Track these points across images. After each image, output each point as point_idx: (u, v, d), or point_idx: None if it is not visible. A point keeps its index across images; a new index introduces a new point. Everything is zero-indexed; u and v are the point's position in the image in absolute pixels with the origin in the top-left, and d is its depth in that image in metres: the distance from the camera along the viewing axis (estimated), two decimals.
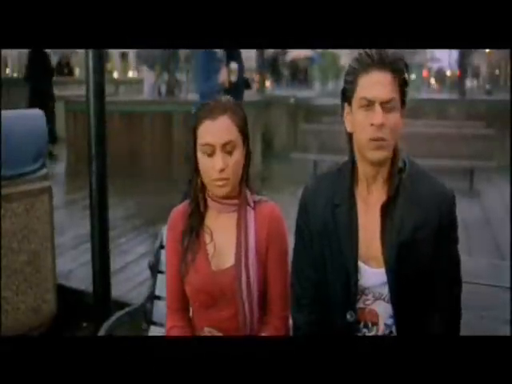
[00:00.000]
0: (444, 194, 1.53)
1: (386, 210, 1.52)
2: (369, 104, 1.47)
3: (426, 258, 1.50)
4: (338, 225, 1.55)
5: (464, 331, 1.57)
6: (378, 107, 1.45)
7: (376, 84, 1.46)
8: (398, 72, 1.48)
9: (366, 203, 1.56)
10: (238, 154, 1.64)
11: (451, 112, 9.50)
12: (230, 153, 1.62)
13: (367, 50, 1.49)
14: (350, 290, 1.54)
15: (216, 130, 1.61)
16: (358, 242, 1.54)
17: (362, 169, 1.55)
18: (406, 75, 1.50)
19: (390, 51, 1.49)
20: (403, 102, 1.51)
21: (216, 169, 1.60)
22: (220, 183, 1.62)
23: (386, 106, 1.46)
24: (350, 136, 1.57)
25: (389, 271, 1.50)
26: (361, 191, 1.57)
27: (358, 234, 1.54)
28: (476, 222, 5.31)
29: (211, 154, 1.61)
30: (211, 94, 5.25)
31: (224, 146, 1.61)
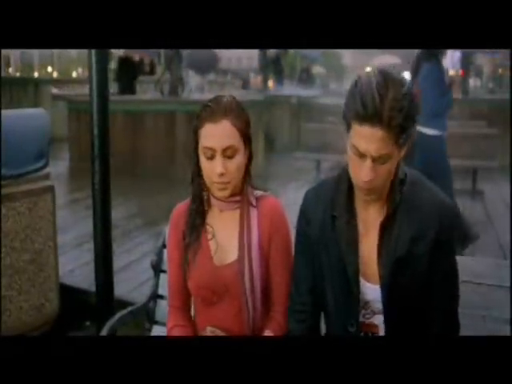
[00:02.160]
0: (444, 206, 1.47)
1: (385, 226, 1.47)
2: (361, 156, 1.38)
3: (422, 273, 1.46)
4: (336, 236, 1.52)
5: (465, 331, 1.56)
6: (368, 161, 1.37)
7: (366, 138, 1.34)
8: (393, 128, 1.33)
9: (365, 217, 1.52)
10: (239, 158, 1.62)
11: (454, 111, 9.47)
12: (230, 157, 1.60)
13: (365, 99, 1.32)
14: (352, 302, 1.51)
15: (217, 134, 1.58)
16: (358, 256, 1.50)
17: (357, 187, 1.48)
18: (409, 131, 1.36)
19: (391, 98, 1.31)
20: (401, 144, 1.38)
21: (216, 173, 1.59)
22: (220, 186, 1.62)
23: (377, 161, 1.36)
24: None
25: (383, 287, 1.48)
26: (359, 205, 1.52)
27: (358, 249, 1.50)
28: (479, 222, 5.31)
29: (212, 158, 1.60)
30: (446, 110, 4.73)
31: (225, 150, 1.59)
